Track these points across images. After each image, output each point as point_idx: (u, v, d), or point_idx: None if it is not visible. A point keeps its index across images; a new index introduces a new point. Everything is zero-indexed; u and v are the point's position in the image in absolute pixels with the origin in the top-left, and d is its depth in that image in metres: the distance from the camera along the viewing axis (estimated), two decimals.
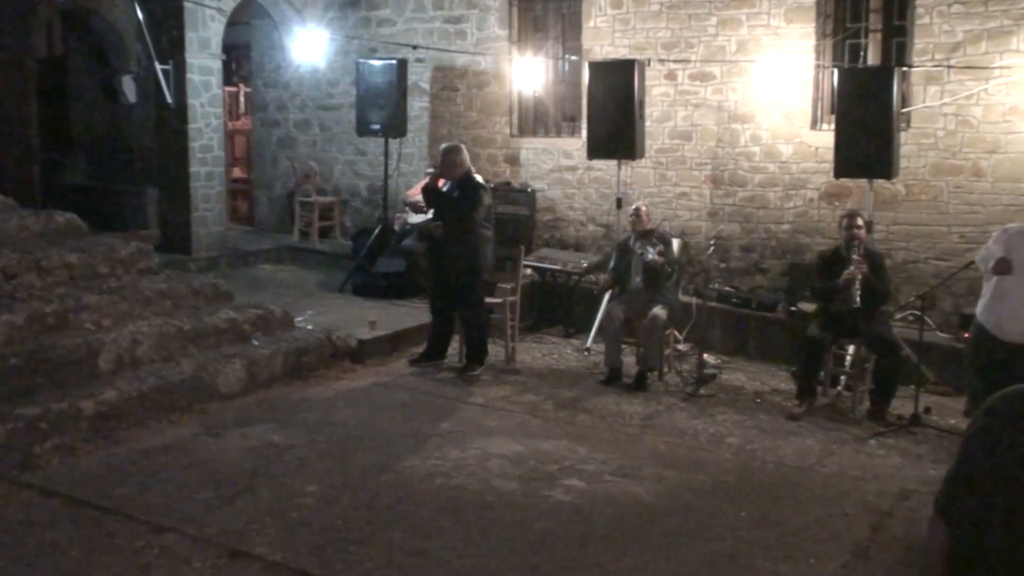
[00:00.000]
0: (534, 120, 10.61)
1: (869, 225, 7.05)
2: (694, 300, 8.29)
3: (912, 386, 6.71)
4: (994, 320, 5.50)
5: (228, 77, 12.51)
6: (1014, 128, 7.87)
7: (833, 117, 8.17)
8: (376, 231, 9.95)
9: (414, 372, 7.48)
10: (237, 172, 13.26)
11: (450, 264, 7.33)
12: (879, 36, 8.59)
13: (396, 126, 10.03)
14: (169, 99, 10.24)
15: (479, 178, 7.69)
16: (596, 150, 8.80)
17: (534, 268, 9.31)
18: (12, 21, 11.14)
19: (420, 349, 7.82)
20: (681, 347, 8.28)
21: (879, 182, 7.79)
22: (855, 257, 6.61)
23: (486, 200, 7.44)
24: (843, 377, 7.10)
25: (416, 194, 9.69)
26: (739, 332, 8.49)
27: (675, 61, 9.35)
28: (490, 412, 6.60)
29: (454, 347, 7.79)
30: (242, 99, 13.52)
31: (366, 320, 8.18)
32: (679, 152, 9.48)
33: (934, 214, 8.22)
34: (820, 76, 8.82)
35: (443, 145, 7.68)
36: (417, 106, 10.93)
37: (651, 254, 7.38)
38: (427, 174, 8.87)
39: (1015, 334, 5.41)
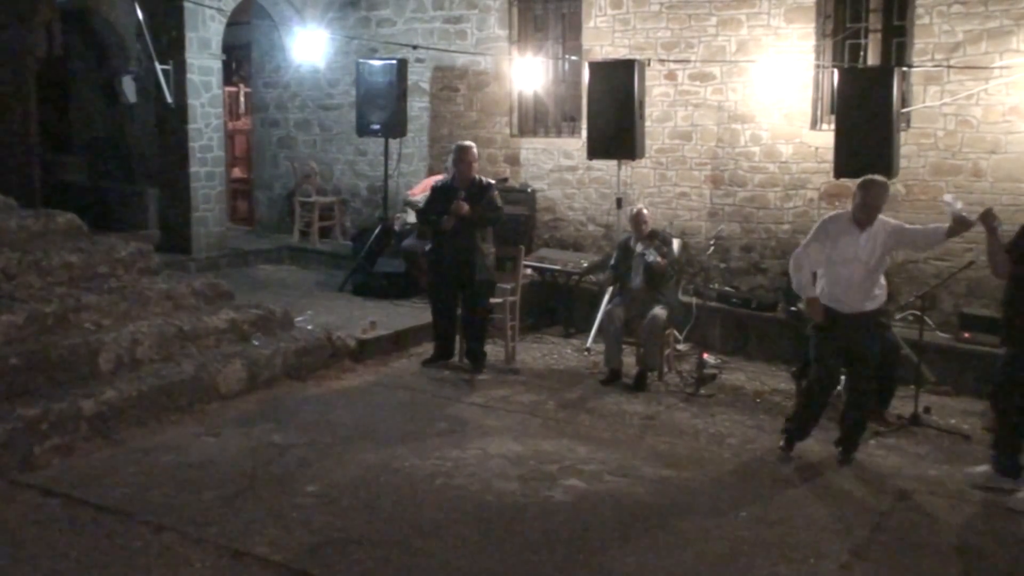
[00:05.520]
0: (534, 120, 10.61)
1: None
2: (694, 300, 8.29)
3: (912, 386, 6.72)
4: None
5: (228, 77, 12.51)
6: (1014, 128, 7.87)
7: (833, 117, 8.16)
8: (376, 231, 9.95)
9: (414, 372, 7.48)
10: (237, 172, 13.26)
11: (476, 262, 7.30)
12: (879, 36, 8.59)
13: (396, 126, 10.03)
14: (169, 99, 10.24)
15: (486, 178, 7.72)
16: (596, 150, 8.80)
17: (534, 268, 9.32)
18: (12, 21, 11.13)
19: (420, 349, 7.82)
20: (681, 347, 8.28)
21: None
22: None
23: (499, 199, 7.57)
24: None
25: (417, 194, 9.68)
26: (739, 332, 8.49)
27: (675, 61, 9.36)
28: (490, 412, 6.60)
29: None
30: (242, 99, 13.52)
31: (366, 320, 8.18)
32: (679, 152, 9.48)
33: (934, 214, 8.20)
34: (820, 76, 8.82)
35: (459, 143, 7.65)
36: (417, 106, 10.93)
37: (653, 256, 7.39)
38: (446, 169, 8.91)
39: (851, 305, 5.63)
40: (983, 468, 5.50)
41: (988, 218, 5.28)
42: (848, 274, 5.59)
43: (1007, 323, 5.52)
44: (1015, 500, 5.16)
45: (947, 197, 5.81)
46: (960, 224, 5.40)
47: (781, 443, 5.91)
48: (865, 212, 5.54)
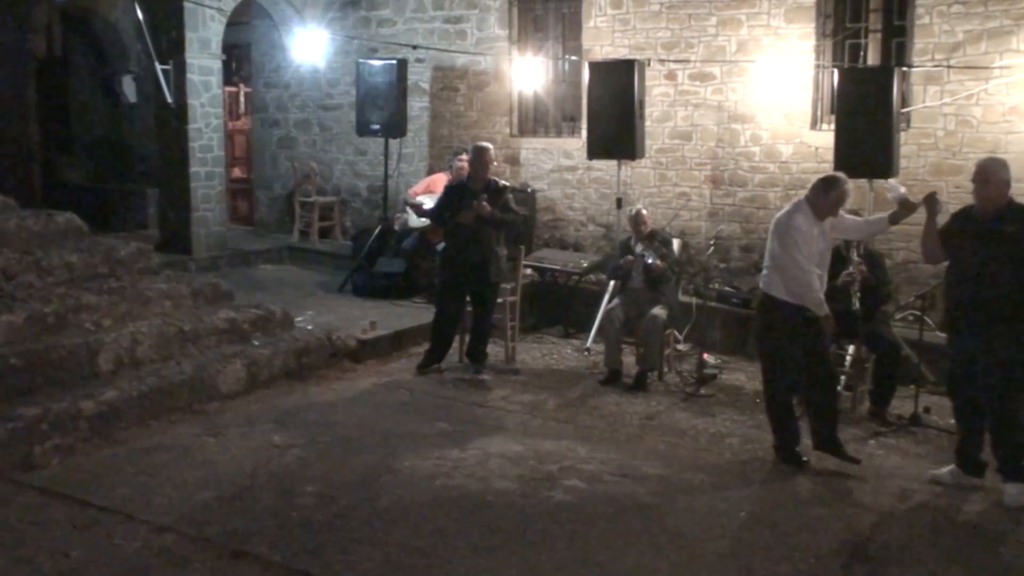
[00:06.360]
0: (534, 120, 10.61)
1: None
2: (694, 300, 8.29)
3: (912, 386, 6.72)
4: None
5: (228, 77, 12.51)
6: (1014, 128, 7.87)
7: (833, 117, 8.17)
8: (376, 231, 9.95)
9: (413, 372, 7.46)
10: (237, 172, 13.26)
11: (492, 264, 7.28)
12: (879, 36, 8.60)
13: (396, 126, 10.03)
14: (169, 99, 10.24)
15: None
16: (596, 150, 8.80)
17: (534, 268, 9.32)
18: (12, 21, 11.14)
19: (420, 349, 7.78)
20: (681, 347, 8.29)
21: (879, 182, 7.79)
22: (855, 258, 6.62)
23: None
24: (843, 377, 7.09)
25: (419, 192, 9.67)
26: (739, 332, 8.48)
27: (675, 61, 9.36)
28: (490, 412, 6.60)
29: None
30: (242, 99, 13.53)
31: (366, 320, 8.18)
32: (679, 152, 9.48)
33: (941, 208, 8.20)
34: (820, 76, 8.83)
35: (476, 144, 7.62)
36: (417, 106, 10.94)
37: (653, 258, 7.40)
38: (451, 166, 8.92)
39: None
40: (948, 468, 5.52)
41: (931, 202, 5.36)
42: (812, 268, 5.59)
43: (945, 313, 5.54)
44: (1011, 497, 5.16)
45: (891, 181, 5.89)
46: (905, 208, 5.48)
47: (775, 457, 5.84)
48: (832, 208, 5.56)
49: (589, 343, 8.35)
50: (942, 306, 5.67)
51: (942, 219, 5.49)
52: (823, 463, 5.76)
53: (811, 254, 5.53)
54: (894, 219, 5.61)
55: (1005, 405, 5.20)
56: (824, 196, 5.56)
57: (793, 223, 5.54)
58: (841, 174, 5.79)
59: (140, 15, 10.21)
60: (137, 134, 12.43)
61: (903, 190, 5.64)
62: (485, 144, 7.57)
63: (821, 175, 5.76)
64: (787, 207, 5.78)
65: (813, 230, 5.54)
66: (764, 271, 5.77)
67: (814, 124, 8.87)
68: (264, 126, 12.50)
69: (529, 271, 9.13)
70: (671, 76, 9.41)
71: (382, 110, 9.95)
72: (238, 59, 13.06)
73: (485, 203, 7.15)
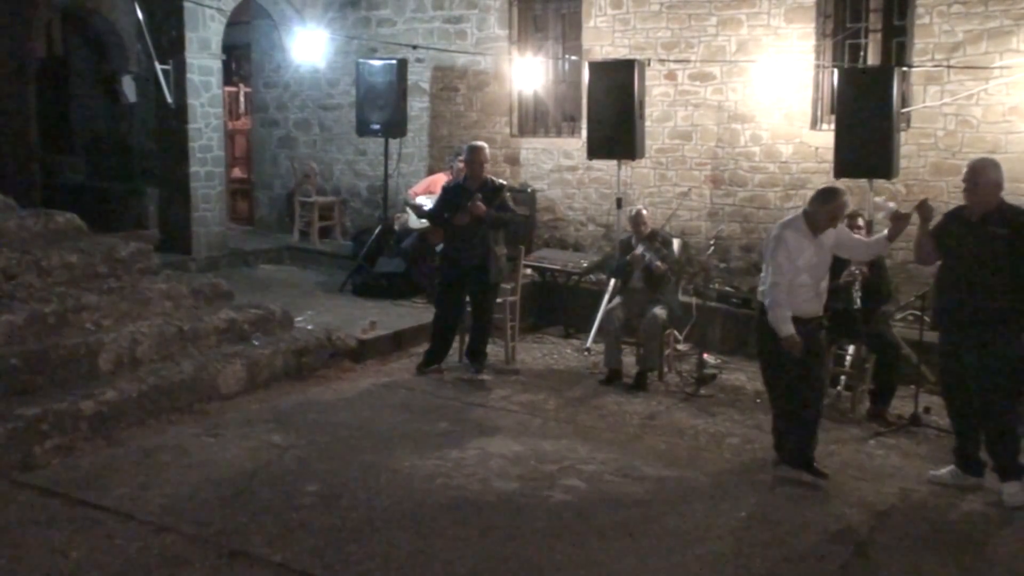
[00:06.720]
0: (534, 120, 10.61)
1: (869, 225, 7.05)
2: (694, 300, 8.29)
3: (912, 386, 6.72)
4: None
5: (228, 77, 12.51)
6: (1014, 128, 7.87)
7: (833, 117, 8.17)
8: (376, 231, 9.95)
9: (413, 372, 7.46)
10: (237, 172, 13.26)
11: (491, 264, 7.28)
12: (879, 36, 8.60)
13: (396, 126, 10.03)
14: (169, 99, 10.24)
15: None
16: (596, 150, 8.80)
17: (534, 268, 9.32)
18: (12, 21, 11.14)
19: (420, 349, 7.78)
20: (681, 347, 8.29)
21: (879, 182, 7.79)
22: None
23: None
24: (843, 377, 7.10)
25: (420, 192, 9.67)
26: (739, 332, 8.47)
27: (675, 61, 9.36)
28: (490, 412, 6.60)
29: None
30: (242, 99, 13.52)
31: (366, 320, 8.18)
32: (679, 152, 9.49)
33: (934, 214, 8.20)
34: (820, 76, 8.83)
35: (471, 143, 7.61)
36: (417, 106, 10.93)
37: (653, 259, 7.40)
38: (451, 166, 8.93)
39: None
40: (948, 468, 5.52)
41: (924, 208, 5.37)
42: (805, 281, 5.49)
43: (935, 313, 5.53)
44: (1010, 497, 5.16)
45: (878, 199, 5.85)
46: (899, 221, 5.46)
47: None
48: (829, 221, 5.48)
49: (589, 343, 8.35)
50: (934, 305, 5.67)
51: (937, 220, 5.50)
52: (822, 464, 5.76)
53: (793, 270, 5.42)
54: (892, 236, 5.53)
55: (997, 405, 5.20)
56: (821, 208, 5.50)
57: (781, 236, 5.49)
58: (839, 186, 5.77)
59: (140, 15, 10.21)
60: (137, 134, 12.40)
61: (893, 205, 5.68)
62: (480, 143, 7.57)
63: (822, 180, 5.78)
64: (785, 218, 5.75)
65: (803, 242, 5.46)
66: (761, 277, 5.76)
67: (814, 124, 8.87)
68: (264, 126, 12.51)
69: (529, 271, 9.13)
70: (671, 76, 9.41)
71: (382, 110, 9.95)
72: (238, 59, 13.05)
73: (480, 203, 7.15)
